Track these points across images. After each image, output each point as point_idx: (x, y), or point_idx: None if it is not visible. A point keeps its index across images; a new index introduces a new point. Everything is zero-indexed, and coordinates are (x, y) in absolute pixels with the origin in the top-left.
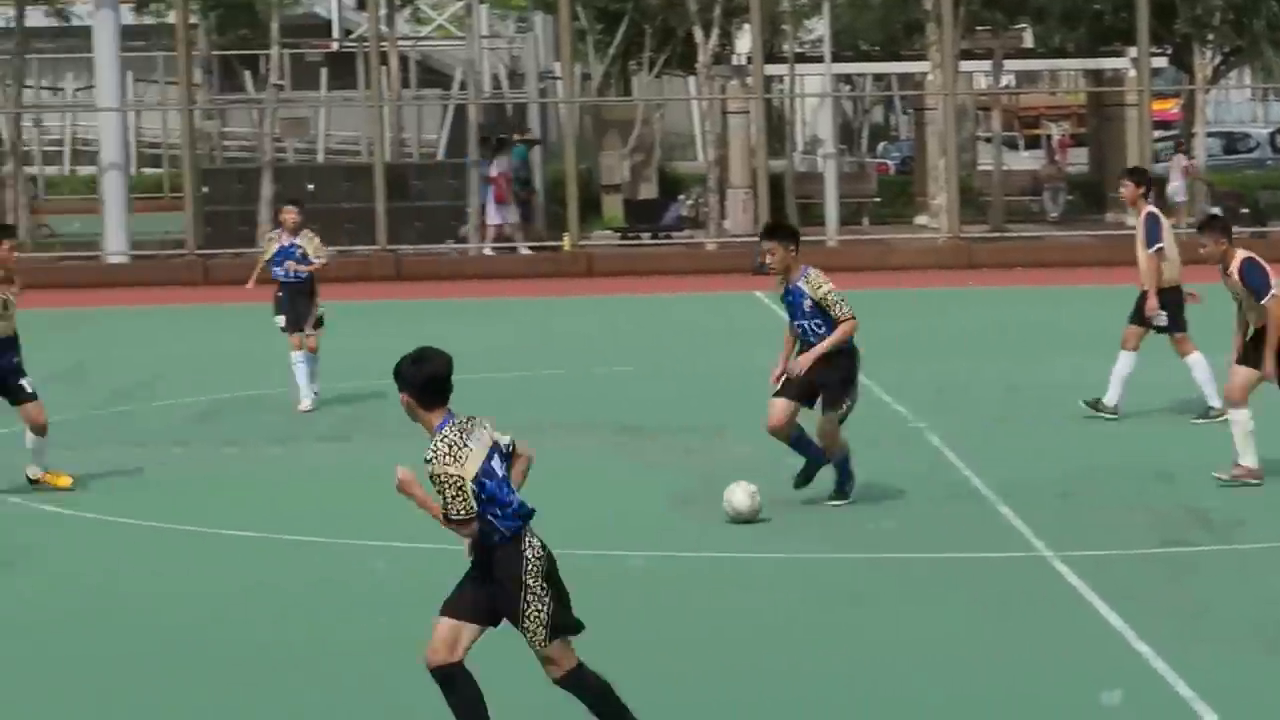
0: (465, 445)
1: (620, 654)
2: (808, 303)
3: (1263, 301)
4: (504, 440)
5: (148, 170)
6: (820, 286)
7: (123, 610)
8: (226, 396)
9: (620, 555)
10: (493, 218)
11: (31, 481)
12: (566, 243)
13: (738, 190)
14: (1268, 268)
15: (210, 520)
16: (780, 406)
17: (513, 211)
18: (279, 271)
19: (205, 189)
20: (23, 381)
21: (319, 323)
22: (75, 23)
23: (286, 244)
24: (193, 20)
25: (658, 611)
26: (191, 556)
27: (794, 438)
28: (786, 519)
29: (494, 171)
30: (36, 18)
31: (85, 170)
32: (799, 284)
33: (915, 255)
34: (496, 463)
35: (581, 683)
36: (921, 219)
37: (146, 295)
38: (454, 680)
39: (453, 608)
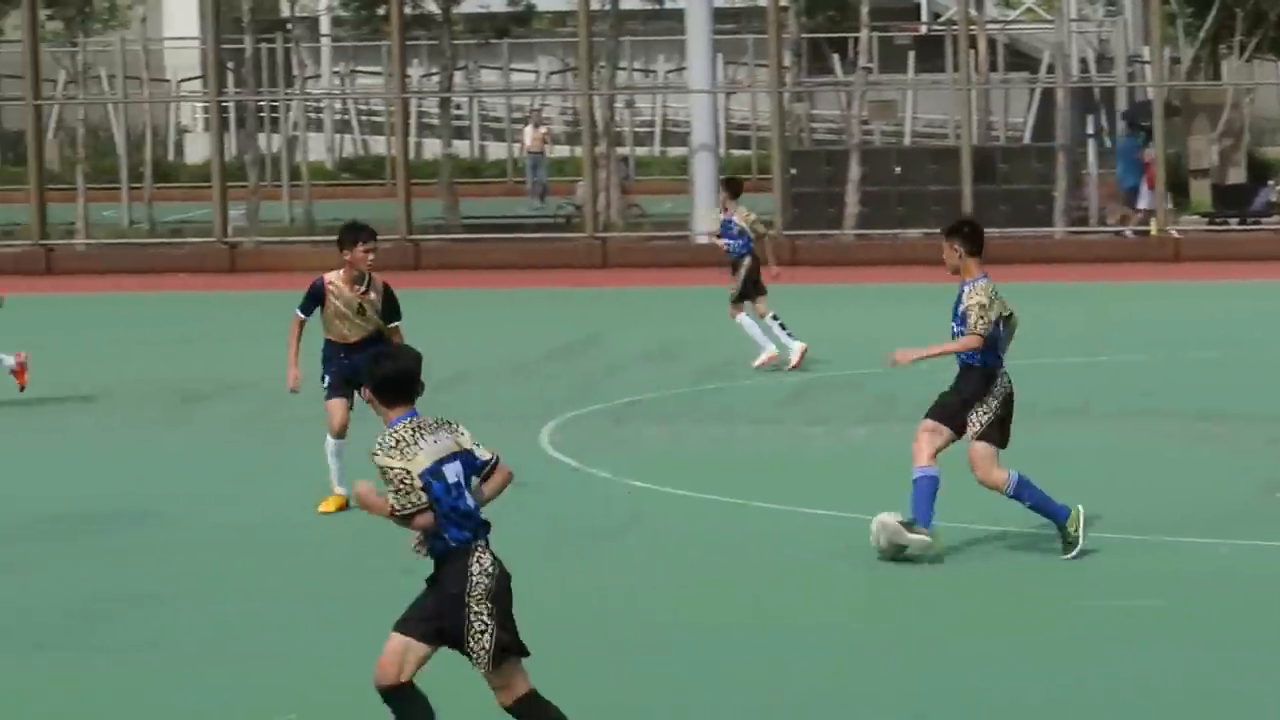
0: (415, 444)
1: (1214, 648)
2: (960, 307)
3: None
4: (481, 454)
5: (736, 152)
6: (974, 298)
7: (700, 584)
8: (815, 376)
9: (1208, 543)
10: (1145, 202)
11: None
12: (1153, 227)
13: None
14: None
15: (792, 499)
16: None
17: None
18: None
19: (793, 171)
20: None
21: (761, 290)
22: (669, 5)
23: (725, 219)
24: (784, 3)
25: (1251, 604)
26: (770, 533)
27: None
28: None
29: (1149, 156)
30: (632, 1)
31: (675, 151)
32: (964, 287)
33: None
34: (454, 468)
35: (531, 711)
36: None
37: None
38: (400, 701)
39: (403, 624)
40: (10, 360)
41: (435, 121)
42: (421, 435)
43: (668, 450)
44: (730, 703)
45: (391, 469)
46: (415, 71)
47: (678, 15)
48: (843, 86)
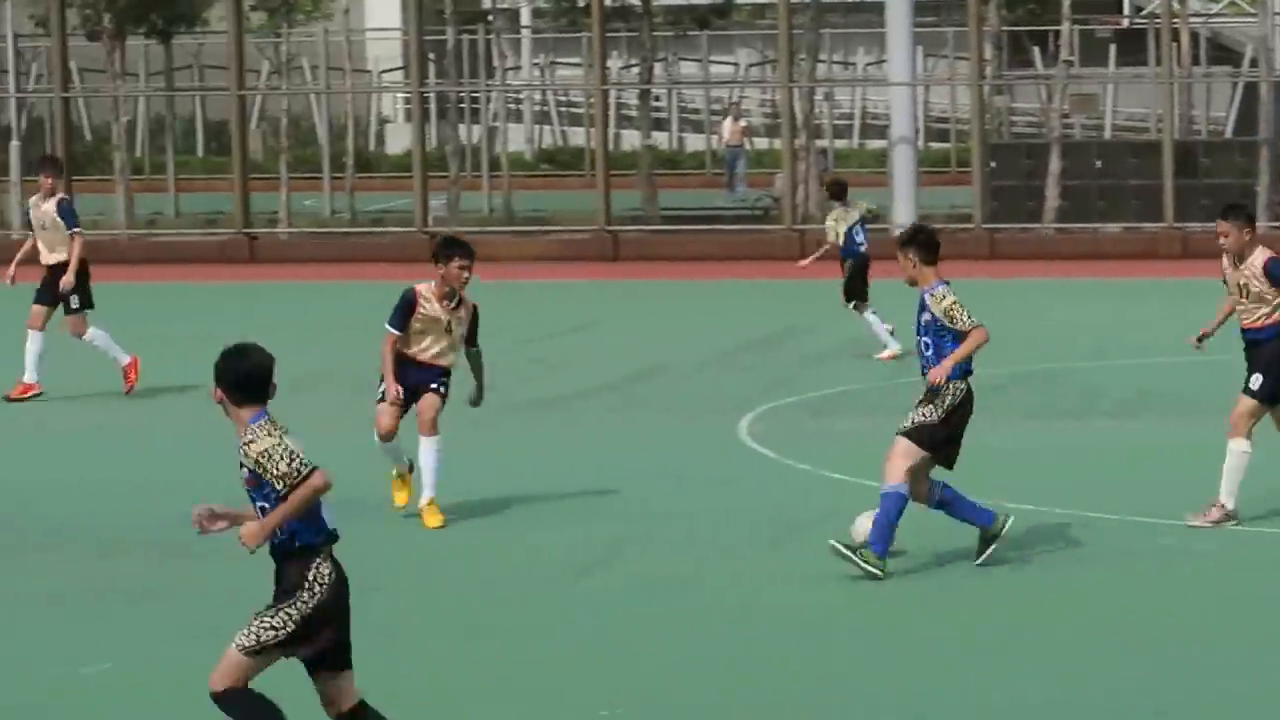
0: (280, 432)
1: None
2: (926, 316)
3: None
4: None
5: (935, 145)
6: (944, 299)
7: (893, 578)
8: (1013, 371)
9: None
10: None
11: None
12: None
13: None
14: None
15: (989, 492)
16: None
17: None
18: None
19: (992, 164)
20: (435, 384)
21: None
22: None
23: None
24: None
25: None
26: (965, 526)
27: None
28: None
29: None
30: None
31: (874, 144)
32: (924, 295)
33: None
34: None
35: (235, 709)
36: None
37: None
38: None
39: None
40: (125, 359)
41: (634, 113)
42: (283, 432)
43: (865, 443)
44: (911, 696)
45: (272, 448)
46: (614, 63)
47: (878, 8)
48: (1043, 79)
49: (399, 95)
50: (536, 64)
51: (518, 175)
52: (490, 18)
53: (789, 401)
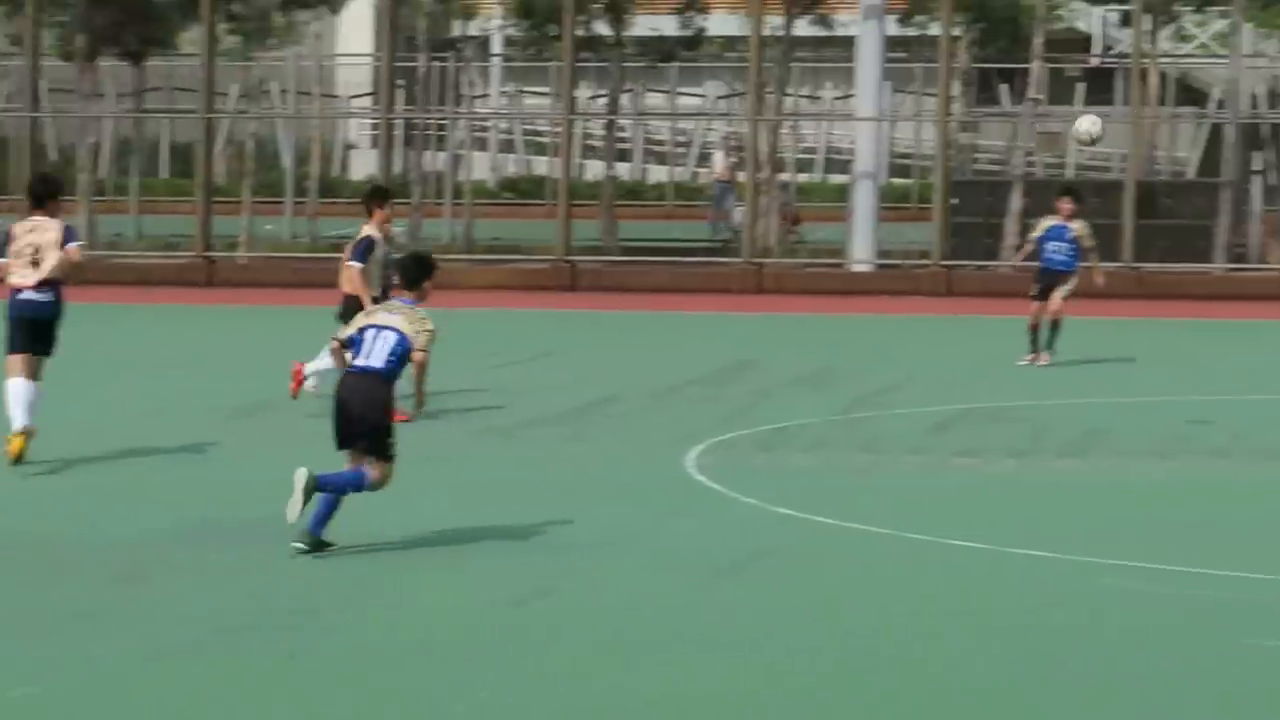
0: None
1: None
2: None
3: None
4: None
5: (897, 180)
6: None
7: (841, 615)
8: (966, 408)
9: None
10: None
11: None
12: None
13: None
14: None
15: (935, 529)
16: None
17: None
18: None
19: (954, 200)
20: None
21: None
22: (839, 32)
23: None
24: (955, 32)
25: None
26: (912, 564)
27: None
28: None
29: None
30: (802, 27)
31: (836, 178)
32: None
33: None
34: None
35: None
36: None
37: (889, 304)
38: None
39: None
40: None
41: (598, 143)
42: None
43: (813, 477)
44: None
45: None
46: (582, 93)
47: (847, 42)
48: (1010, 118)
49: (366, 121)
50: (505, 92)
51: (480, 203)
52: (458, 46)
53: (740, 434)
